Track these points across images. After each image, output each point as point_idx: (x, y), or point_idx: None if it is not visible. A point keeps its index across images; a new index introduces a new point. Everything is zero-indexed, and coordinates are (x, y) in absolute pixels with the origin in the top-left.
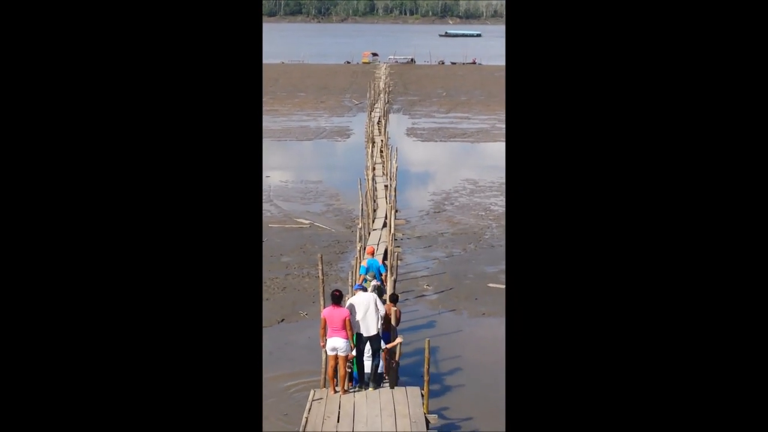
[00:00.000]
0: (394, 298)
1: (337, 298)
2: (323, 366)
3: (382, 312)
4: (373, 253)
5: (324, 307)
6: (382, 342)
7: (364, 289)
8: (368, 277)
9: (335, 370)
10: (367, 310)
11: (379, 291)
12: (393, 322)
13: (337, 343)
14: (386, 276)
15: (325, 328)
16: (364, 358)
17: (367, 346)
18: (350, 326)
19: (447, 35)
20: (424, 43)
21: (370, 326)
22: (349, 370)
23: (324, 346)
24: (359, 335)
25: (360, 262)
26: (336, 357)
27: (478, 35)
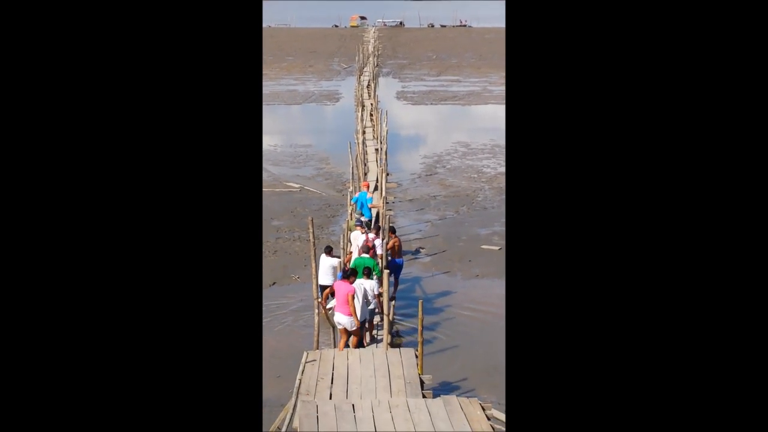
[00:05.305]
0: (393, 229)
1: (348, 274)
2: (316, 328)
3: (372, 304)
4: (368, 187)
5: (316, 270)
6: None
7: (355, 274)
8: (356, 215)
9: (347, 341)
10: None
11: (368, 225)
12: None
13: (340, 319)
14: (373, 205)
15: (329, 295)
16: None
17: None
18: (353, 303)
19: None
20: (411, 4)
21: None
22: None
23: (324, 306)
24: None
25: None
26: (345, 329)
27: None
